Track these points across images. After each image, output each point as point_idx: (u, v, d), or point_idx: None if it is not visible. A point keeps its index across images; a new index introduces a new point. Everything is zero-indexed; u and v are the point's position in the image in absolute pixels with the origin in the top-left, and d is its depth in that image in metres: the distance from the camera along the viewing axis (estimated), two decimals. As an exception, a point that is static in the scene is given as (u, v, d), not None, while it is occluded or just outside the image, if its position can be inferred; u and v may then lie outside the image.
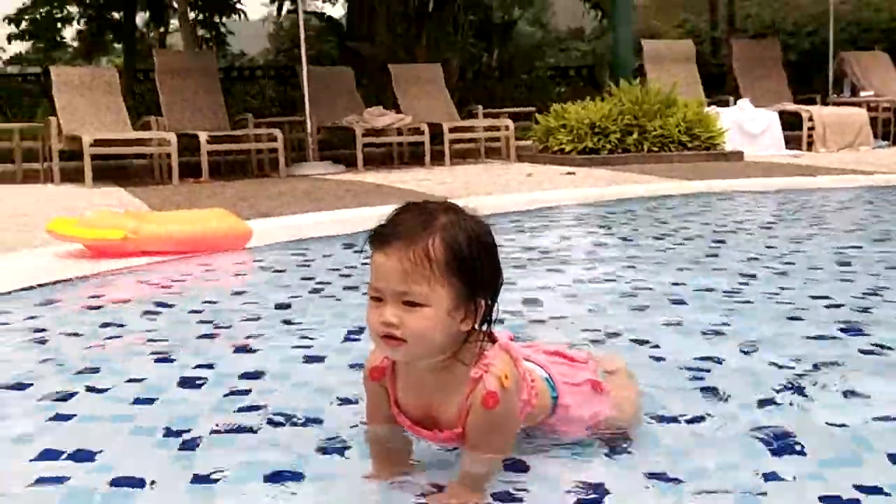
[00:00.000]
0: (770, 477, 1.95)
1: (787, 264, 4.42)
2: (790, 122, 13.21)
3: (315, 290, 3.93)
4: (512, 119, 12.28)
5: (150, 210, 6.80)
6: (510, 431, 1.94)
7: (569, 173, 9.51)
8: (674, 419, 2.29)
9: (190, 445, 2.14)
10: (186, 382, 2.61)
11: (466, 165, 11.12)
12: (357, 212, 6.17)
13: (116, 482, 1.93)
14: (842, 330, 3.10)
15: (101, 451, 2.09)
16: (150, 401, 2.47)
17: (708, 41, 19.75)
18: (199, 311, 3.54)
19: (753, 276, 4.07)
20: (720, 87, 15.30)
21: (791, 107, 13.75)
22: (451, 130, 11.44)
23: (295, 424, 2.27)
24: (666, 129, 11.16)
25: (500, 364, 1.86)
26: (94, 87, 10.55)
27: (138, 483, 1.93)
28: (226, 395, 2.51)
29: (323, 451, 2.11)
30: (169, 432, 2.21)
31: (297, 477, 1.96)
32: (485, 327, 1.89)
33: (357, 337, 3.10)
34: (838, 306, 3.45)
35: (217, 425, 2.25)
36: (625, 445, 2.12)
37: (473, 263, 1.80)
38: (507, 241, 4.90)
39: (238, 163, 11.05)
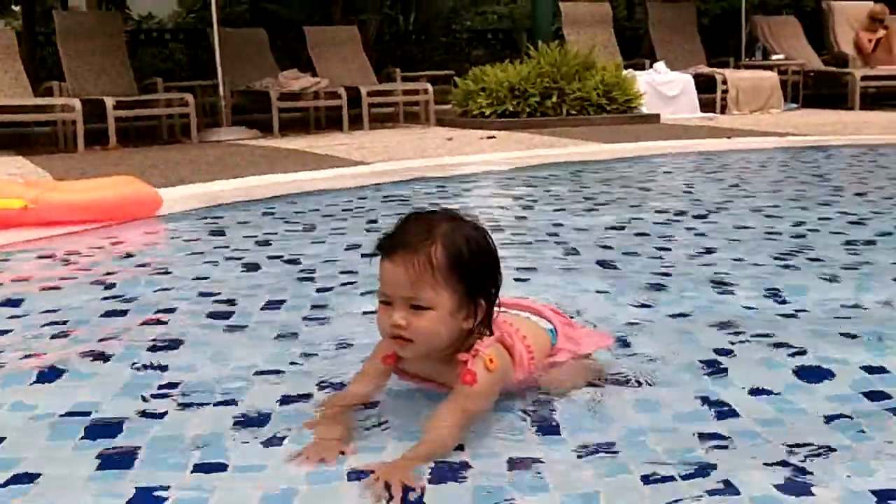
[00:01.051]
0: (709, 438, 1.89)
1: (710, 224, 4.40)
2: (704, 85, 13.33)
3: (231, 259, 3.75)
4: (430, 83, 12.11)
5: (52, 179, 6.46)
6: (478, 411, 1.98)
7: (489, 137, 9.41)
8: (614, 383, 2.21)
9: (97, 433, 1.97)
10: (96, 358, 2.43)
11: (385, 130, 10.91)
12: (272, 177, 5.96)
13: (14, 480, 1.75)
14: (768, 291, 3.08)
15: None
16: (51, 380, 2.28)
17: (623, 4, 19.78)
18: (108, 286, 3.34)
19: (676, 239, 4.03)
20: (635, 50, 15.31)
21: (705, 70, 13.86)
22: (370, 94, 11.20)
23: (216, 404, 2.13)
24: (584, 91, 11.12)
25: (489, 351, 1.99)
26: (-10, 51, 10.00)
27: (33, 478, 1.75)
28: (137, 370, 2.35)
29: (246, 431, 1.97)
30: (73, 419, 2.03)
31: (220, 466, 1.82)
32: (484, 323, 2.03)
33: (277, 308, 2.96)
34: (762, 265, 3.43)
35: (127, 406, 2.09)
36: (560, 413, 2.05)
37: (473, 268, 1.96)
38: (432, 207, 4.79)
39: (147, 129, 10.63)
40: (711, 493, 1.66)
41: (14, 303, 3.07)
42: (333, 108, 11.15)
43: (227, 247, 3.99)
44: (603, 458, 1.83)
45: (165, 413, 2.06)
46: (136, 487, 1.71)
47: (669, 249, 3.80)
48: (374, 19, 15.79)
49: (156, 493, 1.68)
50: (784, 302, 2.97)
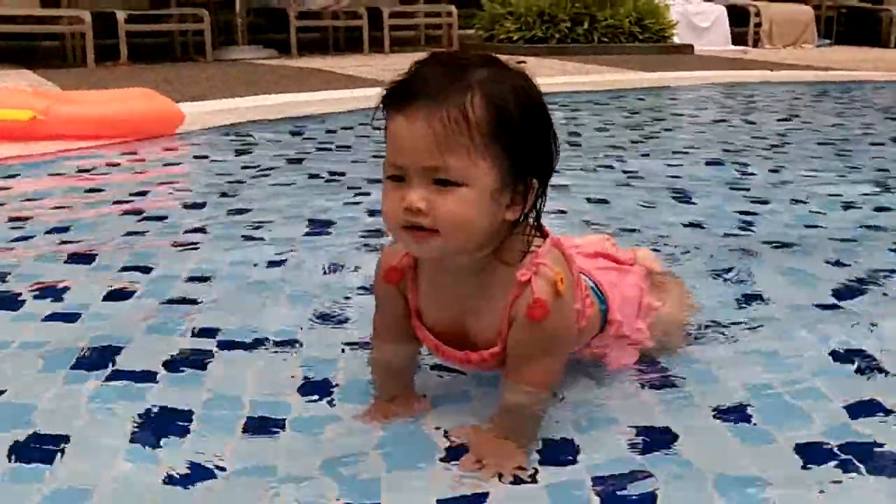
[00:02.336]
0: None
1: (781, 153, 4.02)
2: (736, 18, 12.80)
3: (260, 177, 3.38)
4: (454, 6, 11.59)
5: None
6: (562, 351, 1.48)
7: (520, 62, 8.91)
8: (719, 333, 1.86)
9: (120, 379, 1.62)
10: (114, 295, 2.08)
11: (408, 53, 10.42)
12: (303, 96, 5.54)
13: (35, 438, 1.41)
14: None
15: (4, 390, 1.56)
16: (70, 318, 1.93)
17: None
18: (127, 202, 2.98)
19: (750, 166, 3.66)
20: (664, -21, 14.69)
21: (739, 1, 13.30)
22: (391, 16, 10.71)
23: (256, 347, 1.78)
24: (617, 18, 10.62)
25: (552, 263, 1.41)
26: (-5, -42, 9.49)
27: (57, 440, 1.40)
28: (163, 304, 2.00)
29: (299, 384, 1.62)
30: (92, 363, 1.67)
31: (265, 425, 1.48)
32: (533, 216, 1.42)
33: (322, 230, 2.60)
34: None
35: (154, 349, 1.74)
36: (674, 372, 1.69)
37: (524, 129, 1.35)
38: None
39: (160, 46, 10.15)
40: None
41: (20, 223, 2.71)
42: (352, 28, 10.66)
43: (258, 165, 3.62)
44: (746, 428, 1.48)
45: (202, 361, 1.70)
46: (181, 459, 1.37)
47: (753, 175, 3.43)
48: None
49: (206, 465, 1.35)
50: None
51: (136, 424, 1.45)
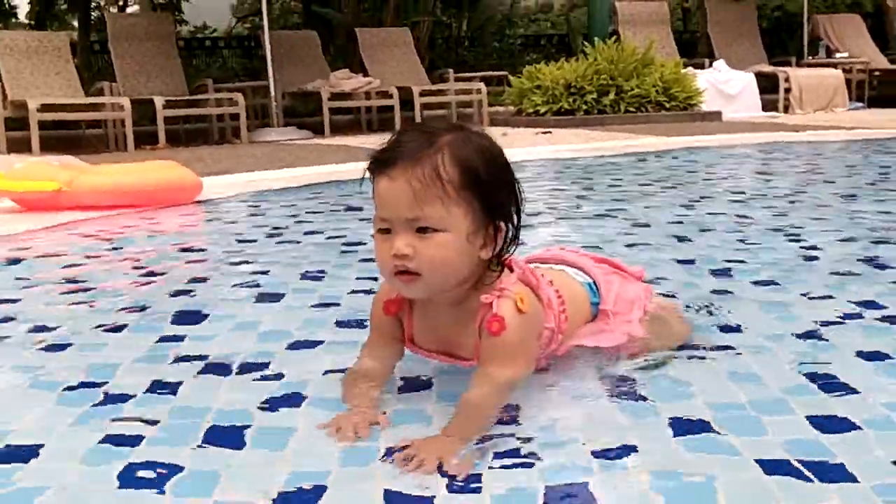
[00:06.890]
0: (819, 423, 1.55)
1: (791, 203, 4.05)
2: (765, 86, 12.87)
3: (271, 236, 3.50)
4: (484, 84, 11.84)
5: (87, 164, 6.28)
6: (520, 363, 1.64)
7: (544, 132, 9.10)
8: (696, 356, 1.89)
9: (105, 401, 1.71)
10: (108, 329, 2.18)
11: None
12: (319, 168, 5.71)
13: (11, 449, 1.50)
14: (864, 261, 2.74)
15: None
16: (61, 347, 2.03)
17: (678, 9, 19.34)
18: (135, 259, 3.10)
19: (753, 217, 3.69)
20: (692, 55, 14.86)
21: (767, 68, 13.39)
22: (422, 94, 10.97)
23: (242, 372, 1.86)
24: (643, 88, 10.76)
25: (515, 289, 1.64)
26: (42, 53, 9.96)
27: (33, 452, 1.49)
28: (157, 342, 2.09)
29: (274, 402, 1.69)
30: (81, 385, 1.78)
31: (238, 437, 1.55)
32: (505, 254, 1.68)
33: (319, 275, 2.69)
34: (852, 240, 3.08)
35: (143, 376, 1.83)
36: (642, 386, 1.72)
37: (489, 180, 1.60)
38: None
39: (198, 131, 10.51)
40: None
41: (28, 269, 2.86)
42: (385, 109, 10.92)
43: (267, 226, 3.74)
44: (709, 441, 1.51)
45: (181, 384, 1.79)
46: (140, 462, 1.44)
47: (749, 224, 3.46)
48: (426, 21, 15.53)
49: (160, 471, 1.41)
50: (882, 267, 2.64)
51: (107, 434, 1.53)
